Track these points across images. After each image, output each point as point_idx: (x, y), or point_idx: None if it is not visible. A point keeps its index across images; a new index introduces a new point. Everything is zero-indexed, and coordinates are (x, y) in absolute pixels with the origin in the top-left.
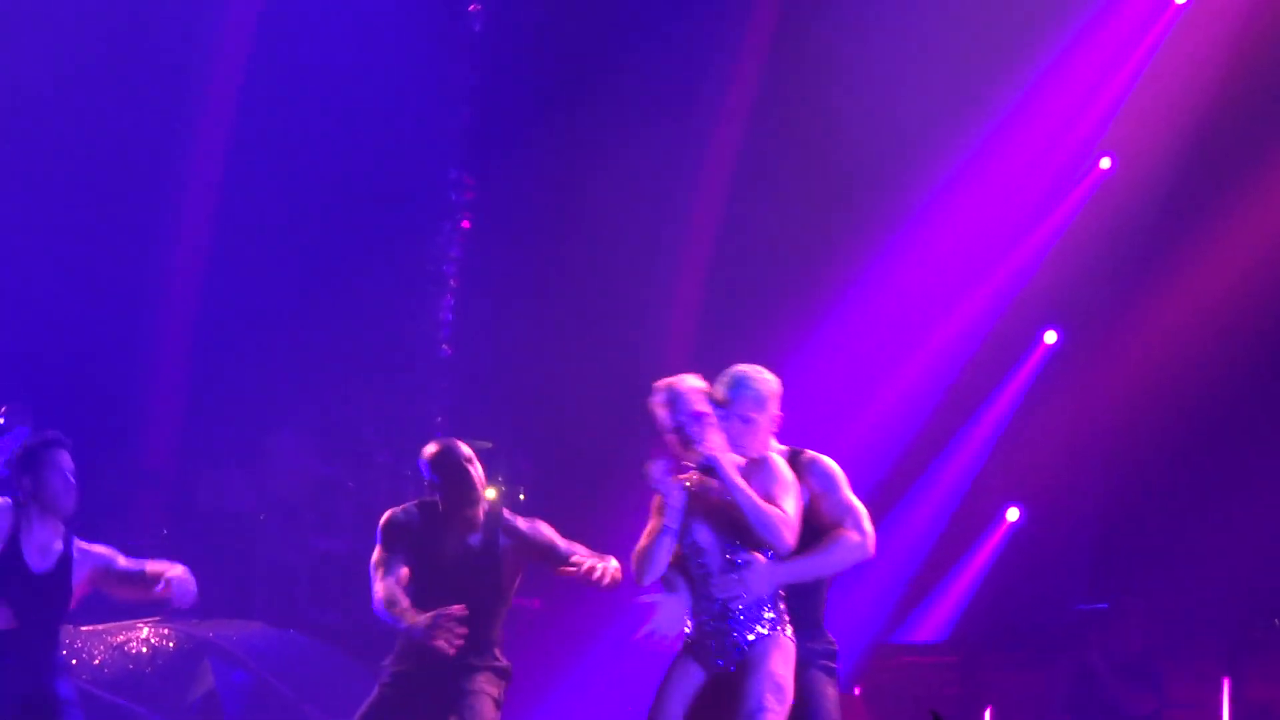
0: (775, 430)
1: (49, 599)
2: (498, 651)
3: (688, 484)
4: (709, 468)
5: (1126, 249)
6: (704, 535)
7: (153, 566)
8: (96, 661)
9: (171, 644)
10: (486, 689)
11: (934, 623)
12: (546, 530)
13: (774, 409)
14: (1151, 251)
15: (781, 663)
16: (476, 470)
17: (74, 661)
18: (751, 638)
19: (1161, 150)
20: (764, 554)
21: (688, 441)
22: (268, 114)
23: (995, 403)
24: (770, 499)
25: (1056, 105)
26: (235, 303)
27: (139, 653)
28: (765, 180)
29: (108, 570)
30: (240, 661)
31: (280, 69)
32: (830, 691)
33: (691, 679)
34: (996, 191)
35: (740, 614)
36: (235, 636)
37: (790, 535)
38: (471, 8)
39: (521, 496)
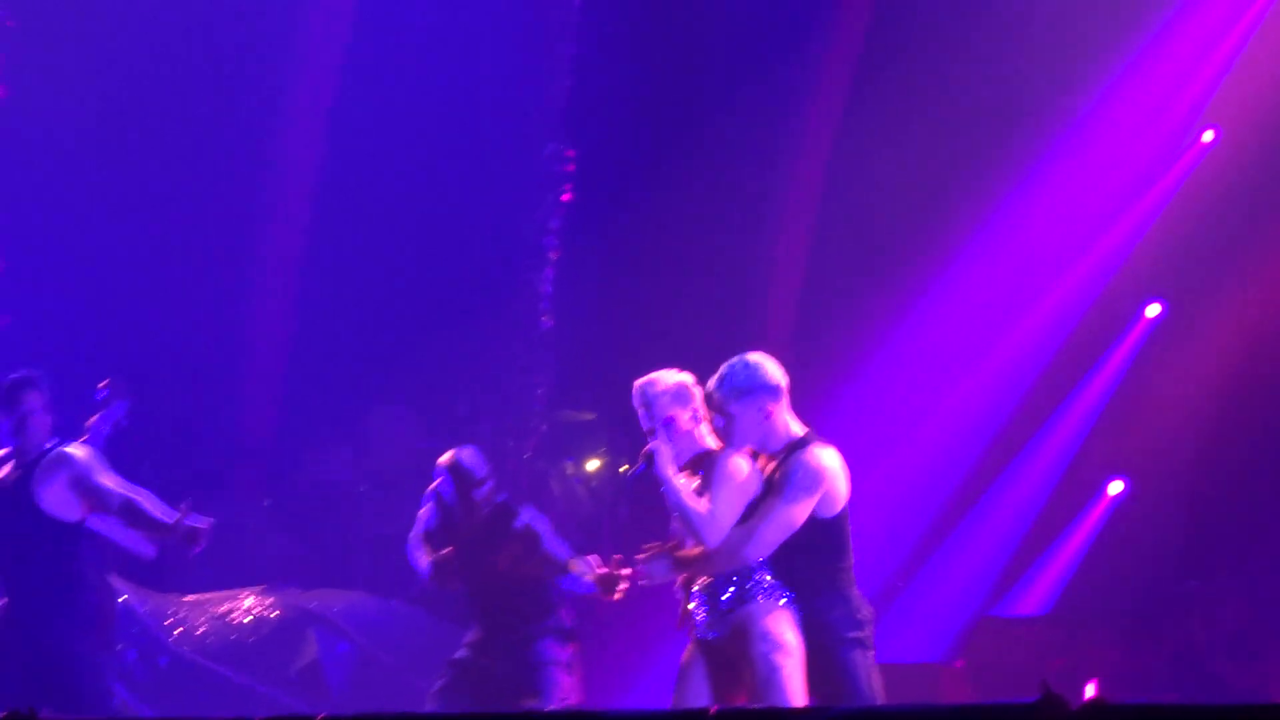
0: (769, 420)
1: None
2: (561, 614)
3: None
4: (650, 458)
5: (1229, 222)
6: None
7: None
8: (199, 631)
9: (275, 614)
10: (556, 656)
11: (1037, 595)
12: None
13: (765, 404)
14: (1254, 224)
15: (774, 623)
16: None
17: (178, 631)
18: (730, 609)
19: (1265, 123)
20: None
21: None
22: (369, 91)
23: (1098, 376)
24: (709, 494)
25: (1160, 78)
26: (336, 278)
27: (242, 623)
28: (867, 151)
29: (85, 481)
30: (343, 631)
31: (381, 46)
32: (862, 664)
33: (700, 658)
34: (1100, 165)
35: (715, 587)
36: (338, 607)
37: (710, 531)
38: None
39: (623, 469)
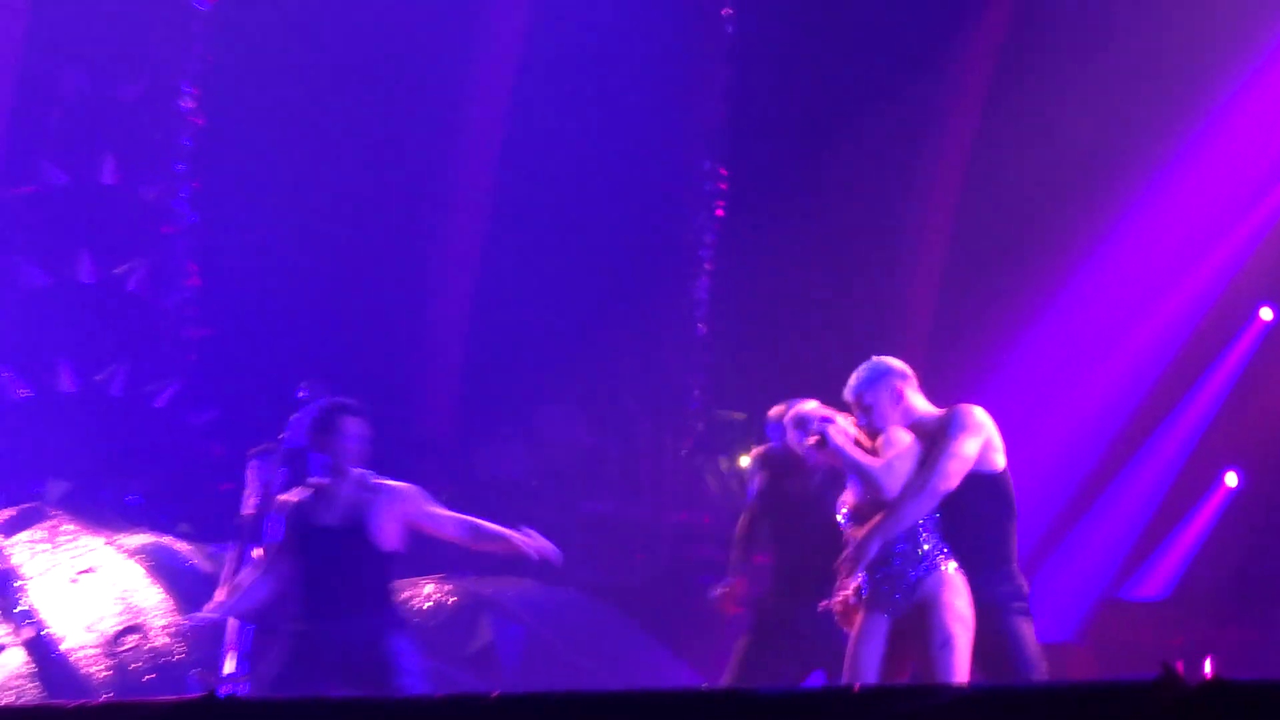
0: (902, 400)
1: (345, 549)
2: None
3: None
4: (822, 439)
5: None
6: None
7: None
8: None
9: (453, 600)
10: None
11: (1159, 580)
12: None
13: (895, 384)
14: None
15: (954, 595)
16: None
17: None
18: (914, 574)
19: None
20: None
21: (819, 436)
22: (540, 114)
23: (1215, 374)
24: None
25: (1270, 97)
26: (510, 288)
27: (423, 608)
28: (999, 164)
29: (417, 510)
30: (516, 616)
31: (551, 74)
32: (1028, 632)
33: (879, 629)
34: (1215, 178)
35: (898, 555)
36: (511, 593)
37: (888, 479)
38: (724, 12)
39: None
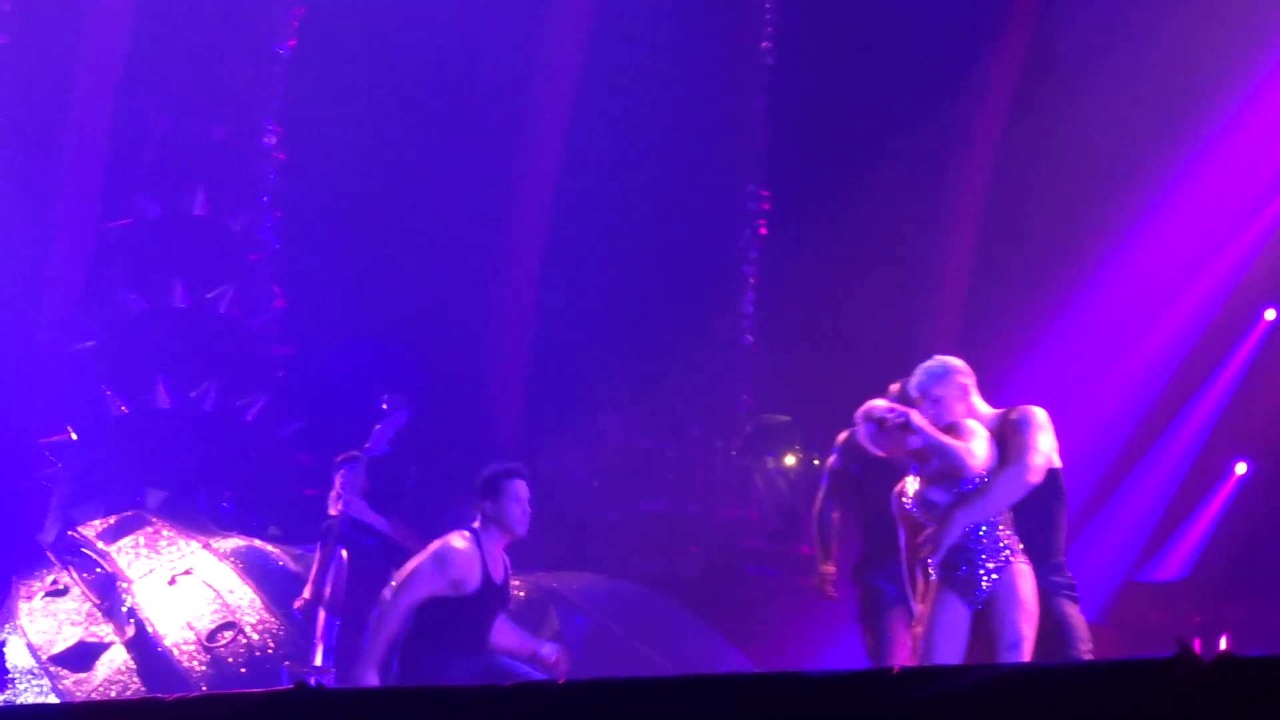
0: (967, 398)
1: (502, 602)
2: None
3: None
4: (906, 424)
5: None
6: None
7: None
8: None
9: (522, 593)
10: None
11: (1175, 562)
12: None
13: (960, 380)
14: None
15: (1028, 589)
16: None
17: None
18: (993, 565)
19: None
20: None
21: (898, 426)
22: (597, 144)
23: (1224, 371)
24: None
25: (1273, 113)
26: (568, 302)
27: None
28: (1021, 180)
29: None
30: (580, 608)
31: (605, 106)
32: (1077, 615)
33: (960, 620)
34: (1224, 185)
35: (978, 545)
36: (576, 586)
37: (971, 456)
38: (764, 45)
39: (816, 462)
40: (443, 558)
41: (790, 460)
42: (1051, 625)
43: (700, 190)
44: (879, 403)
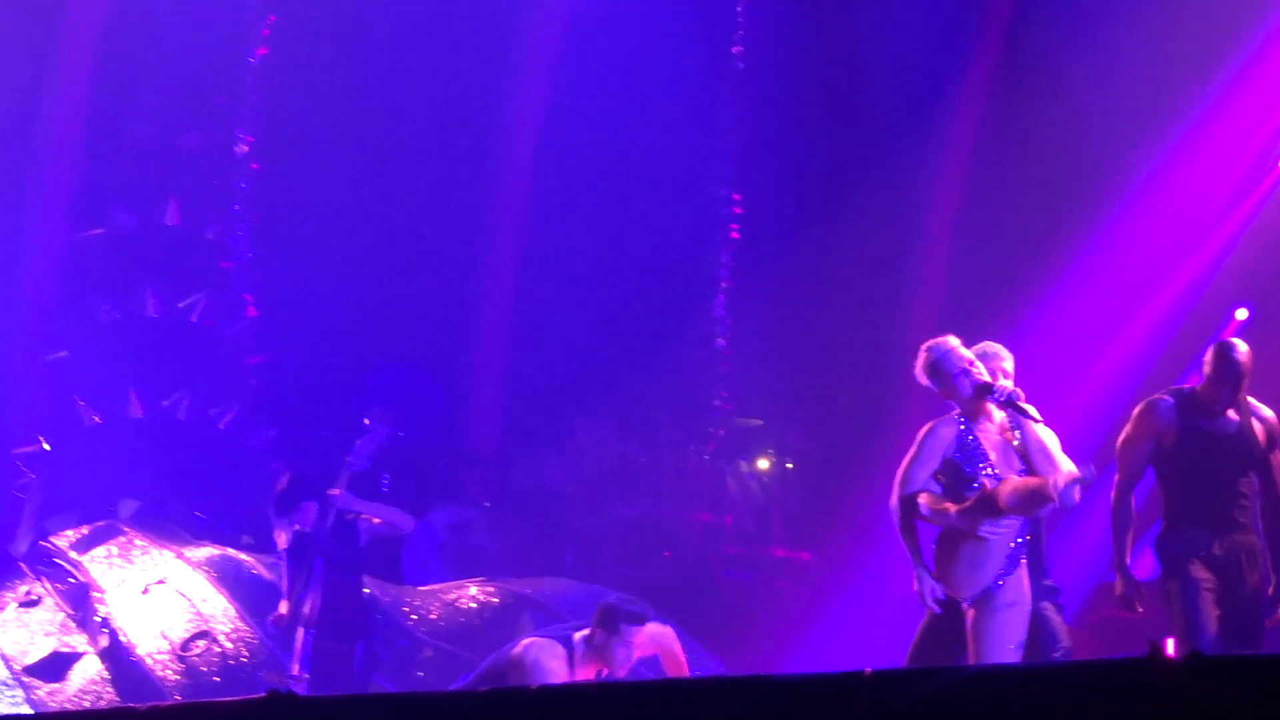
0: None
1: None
2: None
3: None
4: (1011, 402)
5: None
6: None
7: None
8: (433, 616)
9: (496, 600)
10: None
11: (1148, 563)
12: None
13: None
14: None
15: (1026, 588)
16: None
17: (414, 617)
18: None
19: None
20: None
21: (979, 386)
22: (570, 147)
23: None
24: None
25: (1242, 112)
26: (543, 309)
27: (469, 608)
28: (996, 182)
29: None
30: (555, 614)
31: (579, 113)
32: (1057, 618)
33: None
34: (1196, 186)
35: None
36: (550, 592)
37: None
38: (735, 49)
39: (789, 466)
40: (525, 669)
41: (763, 464)
42: (1032, 628)
43: (673, 194)
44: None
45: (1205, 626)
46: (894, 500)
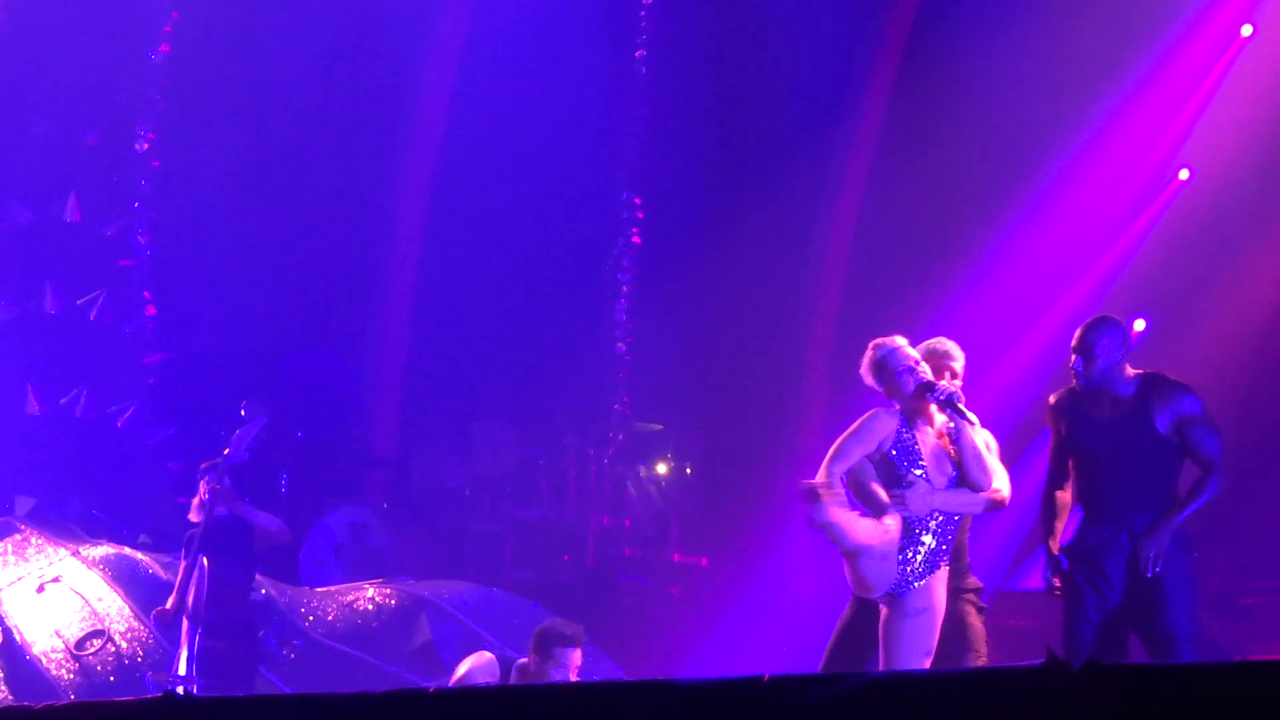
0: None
1: None
2: None
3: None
4: (950, 402)
5: (1204, 248)
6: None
7: None
8: (330, 618)
9: (393, 602)
10: None
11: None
12: None
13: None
14: (1224, 251)
15: (942, 590)
16: None
17: (310, 618)
18: (933, 568)
19: (1232, 162)
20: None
21: (921, 385)
22: (470, 153)
23: None
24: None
25: (1142, 124)
26: (443, 309)
27: (366, 609)
28: (895, 190)
29: None
30: (452, 616)
31: (481, 115)
32: (978, 623)
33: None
34: (1093, 198)
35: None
36: (448, 594)
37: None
38: (638, 53)
39: (688, 471)
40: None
41: (662, 468)
42: (950, 631)
43: (574, 198)
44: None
45: (1077, 630)
46: (821, 475)
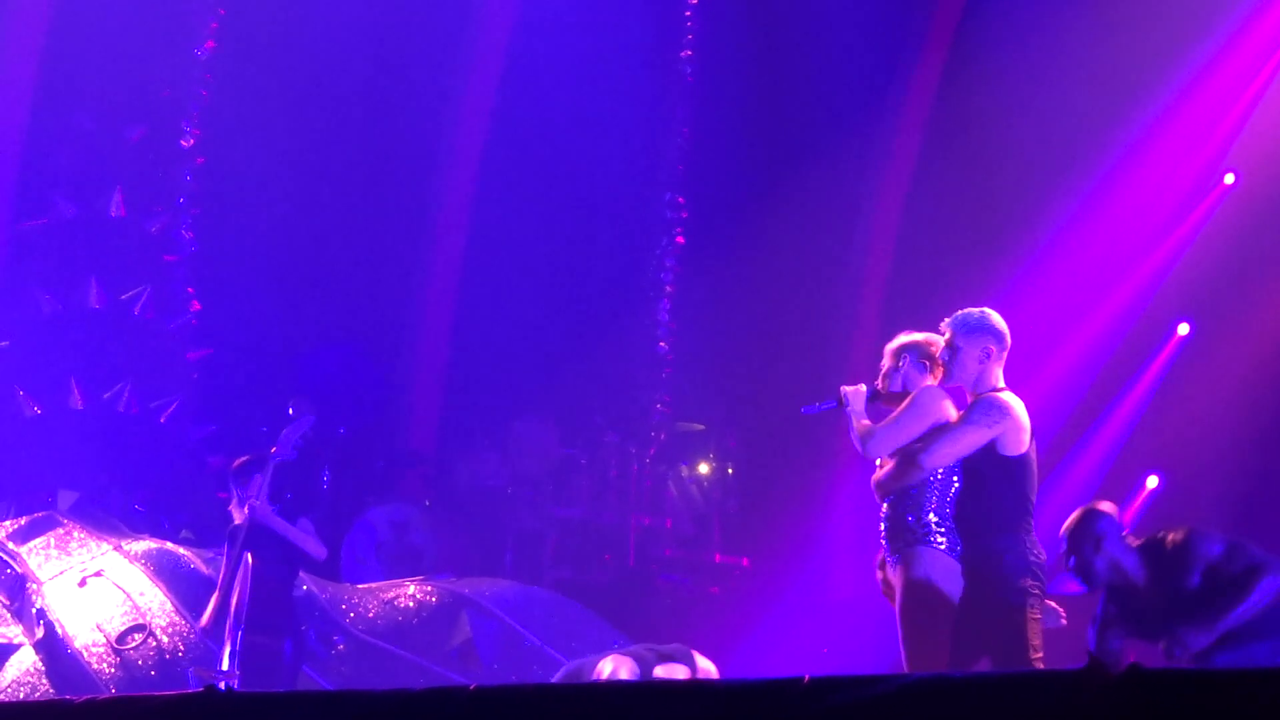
0: (986, 363)
1: None
2: None
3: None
4: (841, 400)
5: (1248, 253)
6: None
7: None
8: (370, 615)
9: (434, 599)
10: None
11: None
12: None
13: (986, 343)
14: (1270, 255)
15: (928, 572)
16: None
17: (351, 615)
18: (901, 548)
19: (1278, 168)
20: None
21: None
22: (516, 148)
23: (1137, 384)
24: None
25: (1188, 127)
26: (486, 309)
27: (407, 607)
28: (938, 190)
29: None
30: (493, 614)
31: (527, 117)
32: (1025, 615)
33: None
34: (1138, 201)
35: (893, 524)
36: (488, 592)
37: (870, 443)
38: (684, 54)
39: (729, 471)
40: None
41: (704, 468)
42: (991, 619)
43: (618, 199)
44: (903, 338)
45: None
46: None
